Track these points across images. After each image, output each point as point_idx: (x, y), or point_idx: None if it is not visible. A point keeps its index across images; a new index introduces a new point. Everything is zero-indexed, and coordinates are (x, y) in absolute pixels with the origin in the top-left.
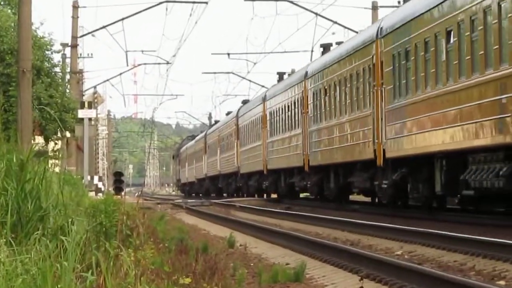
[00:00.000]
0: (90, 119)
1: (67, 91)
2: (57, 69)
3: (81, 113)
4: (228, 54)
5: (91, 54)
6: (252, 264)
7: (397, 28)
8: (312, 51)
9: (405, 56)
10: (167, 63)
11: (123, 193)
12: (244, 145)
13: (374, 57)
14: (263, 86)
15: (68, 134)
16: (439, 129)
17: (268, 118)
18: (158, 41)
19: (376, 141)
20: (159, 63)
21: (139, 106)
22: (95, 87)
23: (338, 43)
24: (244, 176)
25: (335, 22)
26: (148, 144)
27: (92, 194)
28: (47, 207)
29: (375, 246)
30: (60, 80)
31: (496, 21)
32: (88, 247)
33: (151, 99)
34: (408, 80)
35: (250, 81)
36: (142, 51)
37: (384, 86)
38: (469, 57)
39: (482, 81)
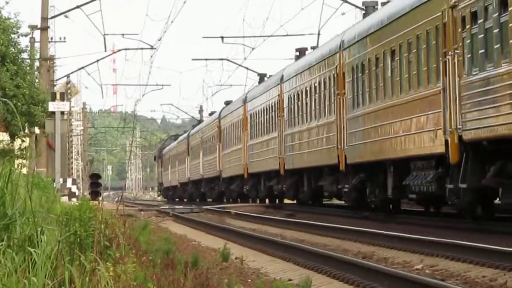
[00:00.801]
0: (62, 112)
1: (36, 80)
2: (25, 55)
3: (52, 106)
4: (222, 37)
5: (64, 38)
6: (249, 281)
7: (355, 42)
8: (318, 34)
9: (362, 69)
10: (152, 48)
11: (100, 198)
12: (226, 148)
13: (338, 67)
14: (261, 74)
15: (37, 130)
16: (387, 138)
17: (248, 120)
18: (141, 23)
19: (339, 147)
20: (142, 48)
21: (119, 97)
22: (68, 76)
23: (313, 48)
24: (226, 181)
25: (345, 1)
26: (129, 142)
27: (65, 199)
28: (12, 214)
29: (391, 259)
30: (28, 68)
31: (425, 45)
32: (60, 261)
33: (133, 89)
34: (364, 92)
35: (247, 68)
36: (123, 34)
37: (345, 95)
38: (407, 75)
39: (416, 98)
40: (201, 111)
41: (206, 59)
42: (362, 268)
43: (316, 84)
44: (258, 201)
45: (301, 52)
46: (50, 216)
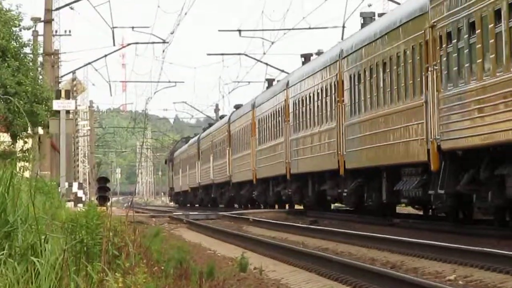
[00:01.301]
0: (68, 111)
1: (40, 77)
2: (27, 50)
3: (57, 105)
4: (239, 31)
5: (69, 32)
6: None
7: (352, 52)
8: (343, 27)
9: (358, 78)
10: (164, 42)
11: (109, 204)
12: (235, 153)
13: (338, 75)
14: (282, 71)
15: (40, 131)
16: (380, 145)
17: (256, 126)
18: (152, 15)
19: (339, 152)
20: (153, 43)
21: (128, 95)
22: (74, 72)
23: (318, 54)
24: (236, 186)
25: None
26: (140, 143)
27: (71, 204)
28: (14, 221)
29: (422, 269)
30: (30, 64)
31: (411, 60)
32: (65, 271)
33: (144, 87)
34: (360, 100)
35: (266, 64)
36: (133, 27)
37: (344, 103)
38: (396, 87)
39: (404, 108)
40: (217, 110)
41: (222, 54)
42: (390, 279)
43: (318, 91)
44: (268, 207)
45: (306, 58)
46: (54, 223)
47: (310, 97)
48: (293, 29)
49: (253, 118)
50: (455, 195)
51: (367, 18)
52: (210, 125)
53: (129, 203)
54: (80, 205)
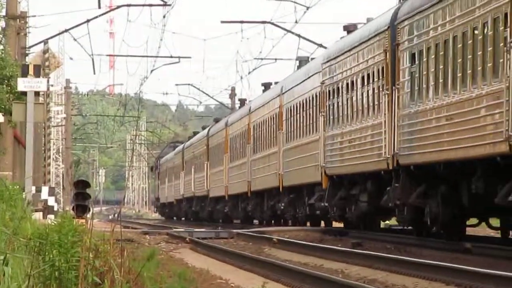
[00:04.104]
0: (37, 93)
1: (1, 47)
2: None
3: (23, 84)
4: None
5: None
6: None
7: (328, 66)
8: None
9: (336, 92)
10: (165, 4)
11: (89, 216)
12: (213, 167)
13: (321, 86)
14: (320, 46)
15: (1, 118)
16: (351, 158)
17: (229, 143)
18: None
19: (323, 164)
20: (151, 5)
21: (117, 74)
22: (46, 41)
23: (313, 58)
24: (213, 200)
25: None
26: (131, 137)
27: (39, 215)
28: None
29: None
30: None
31: (355, 88)
32: None
33: (138, 63)
34: (337, 113)
35: (299, 36)
36: None
37: (323, 114)
38: (360, 106)
39: (369, 125)
40: (233, 95)
41: (241, 22)
42: None
43: (305, 100)
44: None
45: (301, 62)
46: (17, 240)
47: (298, 106)
48: None
49: (226, 136)
50: (415, 207)
51: (302, 62)
52: (216, 120)
53: (116, 215)
54: (51, 216)
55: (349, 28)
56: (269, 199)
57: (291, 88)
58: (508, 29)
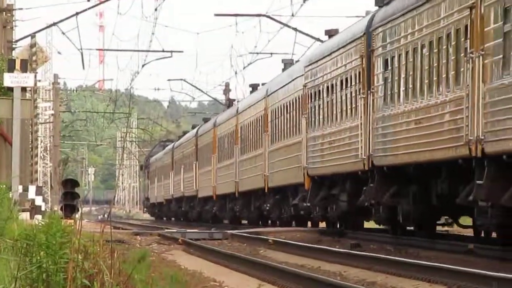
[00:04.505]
0: (24, 89)
1: None
2: None
3: (9, 79)
4: None
5: None
6: None
7: (310, 70)
8: None
9: (317, 95)
10: None
11: (78, 216)
12: (201, 167)
13: (303, 89)
14: (318, 39)
15: None
16: (331, 159)
17: (217, 144)
18: None
19: (305, 165)
20: None
21: (107, 69)
22: (33, 35)
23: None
24: (202, 201)
25: None
26: (121, 134)
27: (26, 216)
28: None
29: None
30: None
31: (334, 91)
32: None
33: (129, 57)
34: (319, 116)
35: (295, 30)
36: None
37: (306, 116)
38: (340, 108)
39: (346, 128)
40: (227, 90)
41: (235, 15)
42: None
43: (289, 103)
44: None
45: (286, 64)
46: (3, 241)
47: (282, 108)
48: None
49: (214, 136)
50: (390, 207)
51: (287, 64)
52: (206, 120)
53: (106, 215)
54: (39, 216)
55: (331, 33)
56: (255, 200)
57: (276, 91)
58: (468, 41)
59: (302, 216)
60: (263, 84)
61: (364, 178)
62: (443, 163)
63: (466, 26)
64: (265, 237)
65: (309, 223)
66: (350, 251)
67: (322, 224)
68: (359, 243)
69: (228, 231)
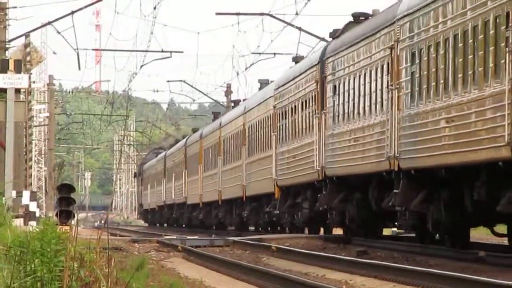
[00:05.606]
0: (18, 90)
1: None
2: None
3: (3, 81)
4: None
5: None
6: None
7: (280, 91)
8: None
9: (284, 114)
10: None
11: (73, 222)
12: (190, 176)
13: (274, 109)
14: (323, 39)
15: None
16: (293, 171)
17: (203, 155)
18: None
19: (275, 177)
20: None
21: (104, 70)
22: (27, 34)
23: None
24: (190, 207)
25: None
26: (119, 137)
27: (20, 222)
28: None
29: None
30: None
31: (297, 112)
32: None
33: (126, 58)
34: (285, 133)
35: (299, 29)
36: None
37: (275, 134)
38: (301, 126)
39: (304, 144)
40: (228, 92)
41: (237, 14)
42: None
43: (262, 120)
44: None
45: (262, 84)
46: None
47: (256, 124)
48: None
49: (200, 147)
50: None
51: (263, 84)
52: (194, 131)
53: (102, 222)
54: (33, 223)
55: (297, 59)
56: (236, 207)
57: (252, 108)
58: (389, 75)
59: (277, 222)
60: (271, 81)
61: (320, 186)
62: (372, 175)
63: (388, 63)
64: (267, 244)
65: (286, 229)
66: (356, 258)
67: (327, 229)
68: (366, 250)
69: (230, 238)
